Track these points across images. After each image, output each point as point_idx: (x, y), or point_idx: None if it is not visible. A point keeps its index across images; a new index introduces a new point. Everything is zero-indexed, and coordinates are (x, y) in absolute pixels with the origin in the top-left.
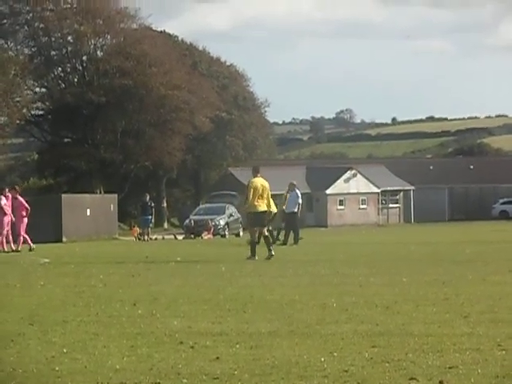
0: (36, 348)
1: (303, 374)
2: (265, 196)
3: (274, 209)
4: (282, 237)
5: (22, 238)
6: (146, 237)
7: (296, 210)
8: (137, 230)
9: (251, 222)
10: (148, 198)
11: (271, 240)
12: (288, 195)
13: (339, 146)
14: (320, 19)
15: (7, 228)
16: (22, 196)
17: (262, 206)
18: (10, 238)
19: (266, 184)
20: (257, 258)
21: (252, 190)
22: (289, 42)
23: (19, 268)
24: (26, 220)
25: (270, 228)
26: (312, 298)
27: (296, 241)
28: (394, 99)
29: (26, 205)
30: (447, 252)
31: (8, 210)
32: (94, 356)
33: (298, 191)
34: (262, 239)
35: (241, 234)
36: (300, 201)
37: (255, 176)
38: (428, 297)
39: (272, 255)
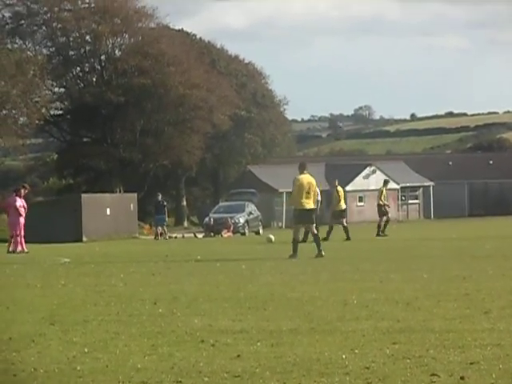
0: (57, 348)
1: (324, 371)
2: (311, 193)
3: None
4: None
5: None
6: (160, 236)
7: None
8: (149, 228)
9: (297, 219)
10: (160, 197)
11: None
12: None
13: (358, 142)
14: (336, 16)
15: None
16: (26, 196)
17: (309, 204)
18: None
19: (313, 181)
20: (298, 256)
21: (298, 188)
22: (306, 40)
23: (39, 268)
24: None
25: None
26: (332, 294)
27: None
28: (412, 95)
29: (25, 205)
30: (467, 247)
31: (23, 211)
32: (115, 355)
33: (317, 189)
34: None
35: (261, 231)
36: (319, 198)
37: (301, 173)
38: (449, 292)
39: (322, 255)
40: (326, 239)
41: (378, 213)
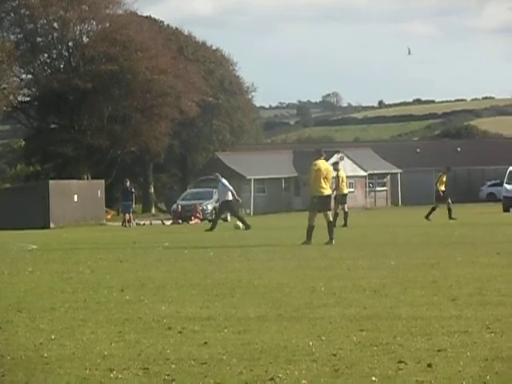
0: (24, 335)
1: (291, 358)
2: (329, 179)
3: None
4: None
5: None
6: (128, 223)
7: (230, 198)
8: (112, 214)
9: (315, 205)
10: (128, 183)
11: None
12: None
13: (326, 129)
14: (304, 3)
15: None
16: None
17: (327, 190)
18: None
19: (330, 167)
20: (312, 242)
21: (315, 173)
22: (274, 27)
23: (6, 255)
24: None
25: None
26: (300, 281)
27: (247, 226)
28: (380, 82)
29: None
30: (435, 234)
31: None
32: (82, 342)
33: (223, 180)
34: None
35: (228, 218)
36: (230, 187)
37: (318, 158)
38: (416, 280)
39: (332, 243)
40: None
41: (439, 198)
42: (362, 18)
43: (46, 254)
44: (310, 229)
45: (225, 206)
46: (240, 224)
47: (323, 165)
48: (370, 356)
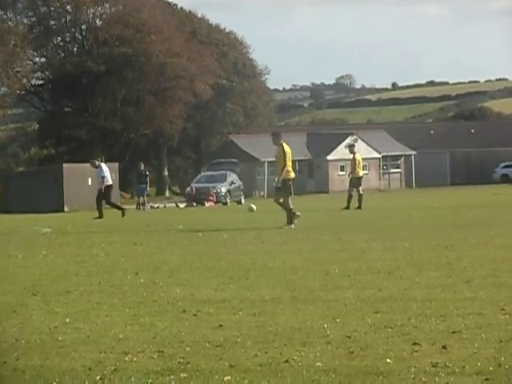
0: (39, 318)
1: (306, 341)
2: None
3: None
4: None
5: None
6: (142, 206)
7: (108, 183)
8: (128, 199)
9: (290, 189)
10: (143, 166)
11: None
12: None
13: (339, 111)
14: None
15: None
16: None
17: (292, 173)
18: None
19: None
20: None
21: (288, 157)
22: (287, 9)
23: (21, 238)
24: None
25: None
26: (314, 264)
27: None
28: (394, 64)
29: None
30: (449, 216)
31: None
32: (97, 325)
33: (102, 165)
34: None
35: (242, 201)
36: (103, 174)
37: (280, 142)
38: (430, 261)
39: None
40: (347, 208)
41: None
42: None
43: (61, 237)
44: (291, 211)
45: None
46: (254, 206)
47: (288, 148)
48: (385, 338)
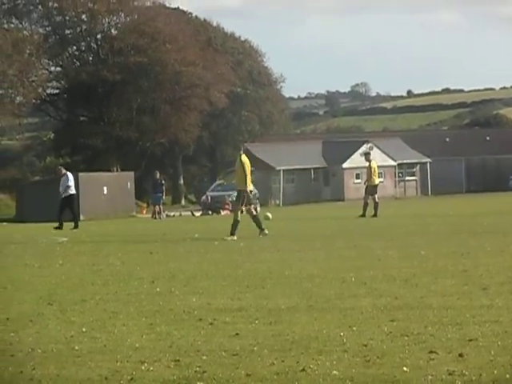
0: (55, 328)
1: (323, 349)
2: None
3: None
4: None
5: None
6: (158, 215)
7: (72, 192)
8: (145, 208)
9: (248, 199)
10: (158, 175)
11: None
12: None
13: (355, 119)
14: None
15: None
16: None
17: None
18: None
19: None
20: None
21: (248, 168)
22: (302, 17)
23: (37, 247)
24: None
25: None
26: (330, 272)
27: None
28: (409, 72)
29: None
30: (465, 224)
31: None
32: (113, 335)
33: (69, 174)
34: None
35: (258, 209)
36: (69, 183)
37: (244, 152)
38: (446, 269)
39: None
40: (363, 215)
41: None
42: (391, 7)
43: (77, 246)
44: (237, 223)
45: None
46: (269, 215)
47: (247, 159)
48: (401, 346)
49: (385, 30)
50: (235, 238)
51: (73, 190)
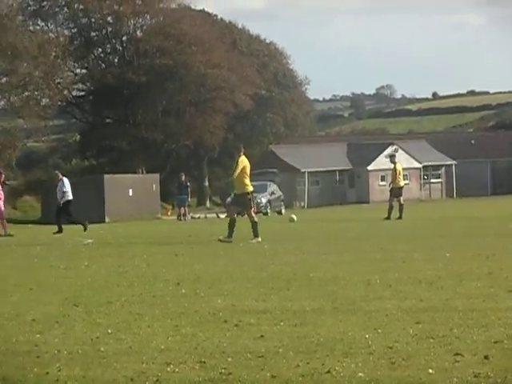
0: (81, 329)
1: (348, 351)
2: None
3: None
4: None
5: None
6: (183, 217)
7: (69, 198)
8: (170, 210)
9: (248, 202)
10: (183, 177)
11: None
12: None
13: (380, 121)
14: None
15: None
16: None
17: (250, 186)
18: None
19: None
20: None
21: (246, 169)
22: (327, 19)
23: (63, 249)
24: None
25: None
26: (355, 274)
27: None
28: (434, 74)
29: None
30: (490, 226)
31: (1, 193)
32: (139, 336)
33: (65, 179)
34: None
35: (283, 211)
36: (65, 189)
37: (243, 153)
38: (472, 271)
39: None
40: (388, 218)
41: None
42: (415, 9)
43: (102, 248)
44: (256, 224)
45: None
46: (294, 217)
47: (247, 161)
48: (427, 348)
49: (410, 32)
50: (259, 239)
51: (70, 196)
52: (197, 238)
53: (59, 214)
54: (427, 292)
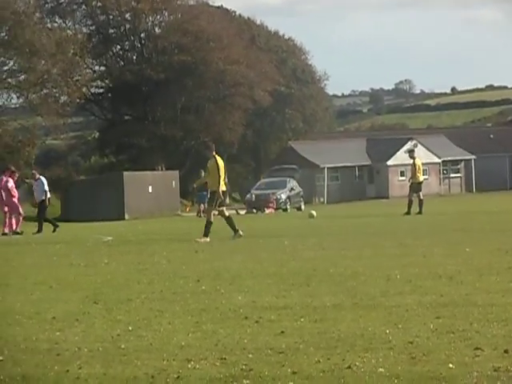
0: (101, 326)
1: (368, 347)
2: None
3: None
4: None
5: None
6: (202, 213)
7: (44, 197)
8: (189, 206)
9: (221, 201)
10: (203, 174)
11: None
12: (34, 184)
13: (399, 116)
14: None
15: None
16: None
17: (223, 186)
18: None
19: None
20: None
21: (222, 168)
22: (345, 14)
23: (83, 247)
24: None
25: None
26: (375, 269)
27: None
28: (453, 69)
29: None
30: (510, 220)
31: (15, 192)
32: (159, 333)
33: (42, 179)
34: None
35: (302, 207)
36: (46, 188)
37: (213, 154)
38: (491, 266)
39: (239, 235)
40: (408, 213)
41: None
42: (434, 3)
43: (122, 245)
44: (210, 224)
45: (40, 206)
46: (314, 213)
47: (221, 160)
48: (447, 343)
49: (429, 27)
50: (208, 239)
51: (48, 194)
52: (216, 234)
53: (41, 214)
54: (447, 287)
